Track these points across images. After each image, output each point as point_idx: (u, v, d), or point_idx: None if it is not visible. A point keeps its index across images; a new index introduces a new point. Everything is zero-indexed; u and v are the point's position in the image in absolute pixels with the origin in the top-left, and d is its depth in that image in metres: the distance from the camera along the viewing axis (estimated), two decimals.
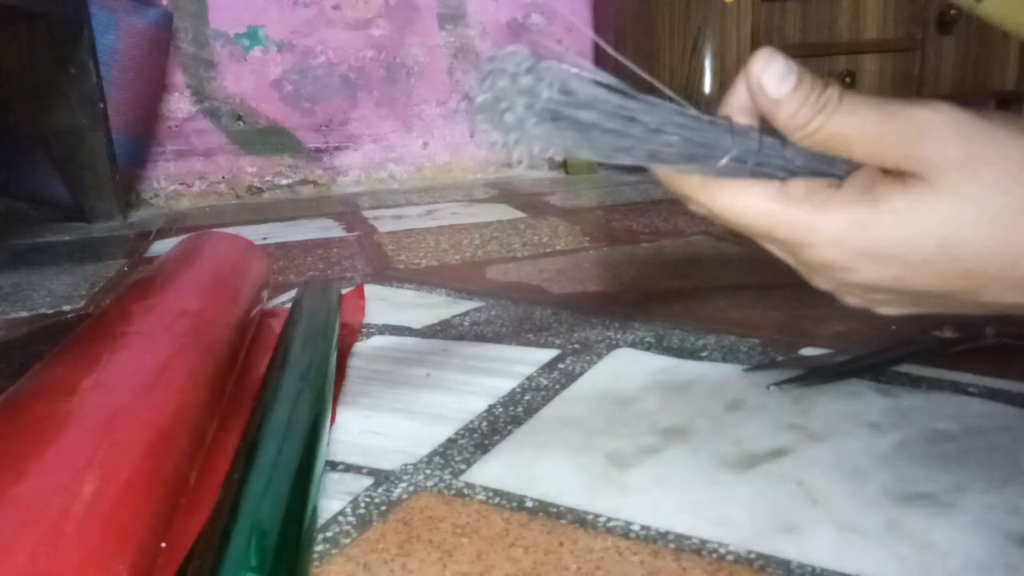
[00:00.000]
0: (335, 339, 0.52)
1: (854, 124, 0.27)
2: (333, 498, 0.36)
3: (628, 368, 0.50)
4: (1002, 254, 0.26)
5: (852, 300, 0.31)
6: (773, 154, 0.28)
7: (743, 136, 0.28)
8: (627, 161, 0.28)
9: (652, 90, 0.29)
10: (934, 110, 0.26)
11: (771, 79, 0.27)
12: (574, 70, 0.26)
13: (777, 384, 0.45)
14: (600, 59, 1.70)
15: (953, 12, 1.42)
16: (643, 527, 0.32)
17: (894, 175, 0.27)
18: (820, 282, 0.31)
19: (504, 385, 0.49)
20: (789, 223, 0.28)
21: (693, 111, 0.28)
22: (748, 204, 0.28)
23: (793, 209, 0.28)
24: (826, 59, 1.45)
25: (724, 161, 0.28)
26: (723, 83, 1.41)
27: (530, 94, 0.25)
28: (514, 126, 0.26)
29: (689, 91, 1.43)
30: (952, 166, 0.26)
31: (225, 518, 0.30)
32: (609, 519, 0.33)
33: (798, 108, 0.27)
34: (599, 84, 0.27)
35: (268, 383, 0.43)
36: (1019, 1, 0.40)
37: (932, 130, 0.26)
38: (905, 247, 0.26)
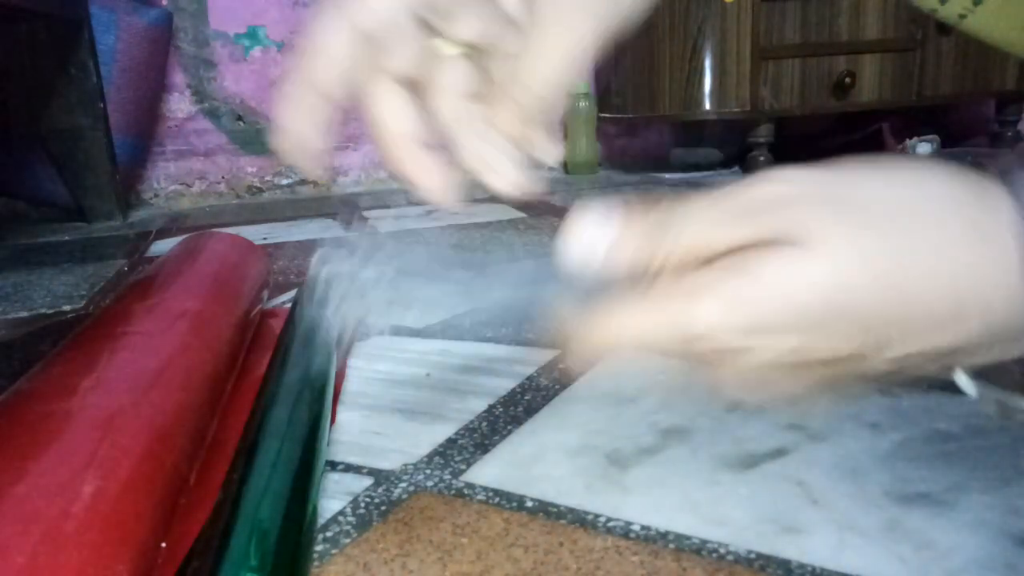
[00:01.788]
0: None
1: (706, 228, 0.26)
2: (333, 498, 0.36)
3: (628, 368, 0.50)
4: (893, 301, 0.24)
5: (764, 384, 0.28)
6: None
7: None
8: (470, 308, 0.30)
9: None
10: (782, 181, 0.25)
11: (589, 242, 0.27)
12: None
13: None
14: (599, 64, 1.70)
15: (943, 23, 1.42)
16: (643, 527, 0.32)
17: (763, 245, 0.25)
18: (729, 379, 0.27)
19: (504, 385, 0.49)
20: (667, 326, 0.25)
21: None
22: (623, 327, 0.26)
23: (665, 310, 0.25)
24: (826, 59, 1.45)
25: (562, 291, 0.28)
26: (723, 83, 1.41)
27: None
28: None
29: (689, 91, 1.43)
30: (820, 225, 0.24)
31: (225, 518, 0.30)
32: (609, 519, 0.33)
33: (633, 247, 0.26)
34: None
35: (268, 383, 0.43)
36: (1001, 17, 0.40)
37: (789, 199, 0.25)
38: (792, 314, 0.24)
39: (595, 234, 0.26)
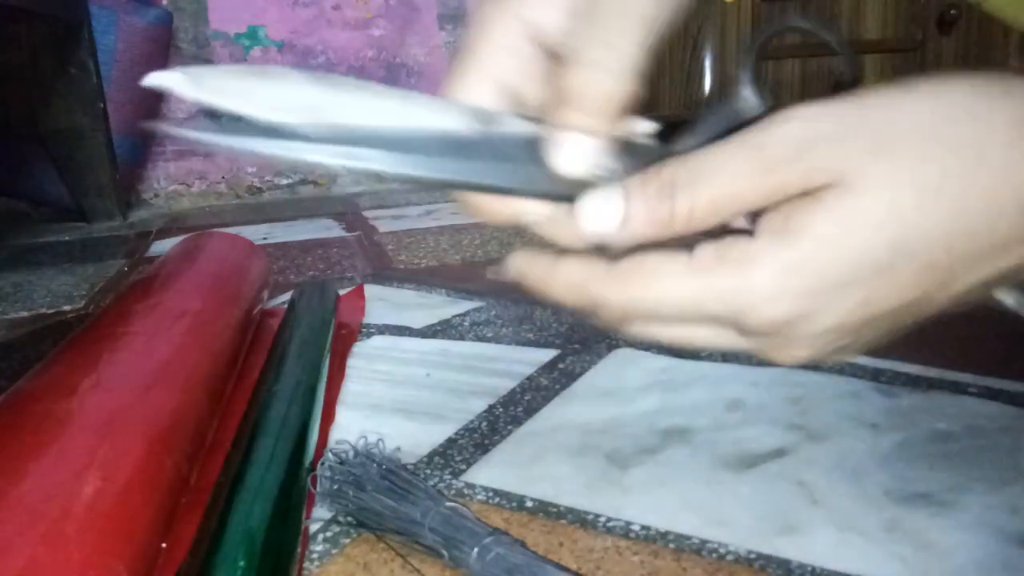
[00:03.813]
0: (328, 343, 0.52)
1: (727, 181, 0.23)
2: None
3: (628, 368, 0.50)
4: (959, 227, 0.22)
5: (822, 353, 0.25)
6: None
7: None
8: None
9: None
10: (802, 119, 0.22)
11: (598, 219, 0.24)
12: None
13: None
14: None
15: (953, 12, 1.42)
16: (643, 527, 0.32)
17: (805, 197, 0.22)
18: (786, 352, 0.25)
19: (504, 385, 0.49)
20: (717, 295, 0.23)
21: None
22: (661, 291, 0.24)
23: (713, 279, 0.23)
24: (826, 59, 1.45)
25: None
26: (723, 83, 1.41)
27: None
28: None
29: (689, 91, 1.43)
30: (859, 163, 0.22)
31: (214, 523, 0.30)
32: (609, 519, 0.33)
33: (646, 214, 0.23)
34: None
35: (258, 392, 0.43)
36: None
37: (815, 140, 0.22)
38: (855, 268, 0.22)
39: (604, 210, 0.24)
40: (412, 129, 0.22)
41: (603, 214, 0.24)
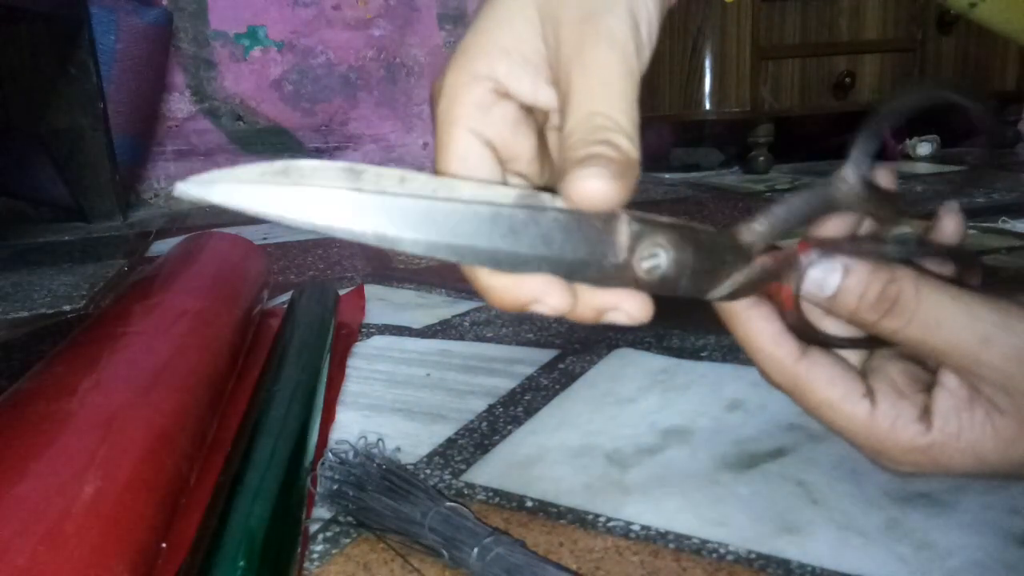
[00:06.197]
0: (328, 343, 0.52)
1: (947, 335, 0.24)
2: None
3: (628, 368, 0.50)
4: None
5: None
6: None
7: None
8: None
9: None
10: None
11: (816, 274, 0.25)
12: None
13: None
14: None
15: (953, 12, 1.42)
16: (643, 527, 0.32)
17: (985, 403, 0.24)
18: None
19: (504, 385, 0.49)
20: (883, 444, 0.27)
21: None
22: (837, 414, 0.28)
23: (885, 438, 0.27)
24: (826, 59, 1.45)
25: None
26: (723, 83, 1.41)
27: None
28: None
29: (689, 91, 1.43)
30: None
31: (214, 523, 0.30)
32: (609, 519, 0.33)
33: (855, 306, 0.25)
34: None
35: (258, 392, 0.43)
36: (1014, 6, 0.40)
37: None
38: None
39: (827, 270, 0.25)
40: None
41: (825, 281, 0.25)
